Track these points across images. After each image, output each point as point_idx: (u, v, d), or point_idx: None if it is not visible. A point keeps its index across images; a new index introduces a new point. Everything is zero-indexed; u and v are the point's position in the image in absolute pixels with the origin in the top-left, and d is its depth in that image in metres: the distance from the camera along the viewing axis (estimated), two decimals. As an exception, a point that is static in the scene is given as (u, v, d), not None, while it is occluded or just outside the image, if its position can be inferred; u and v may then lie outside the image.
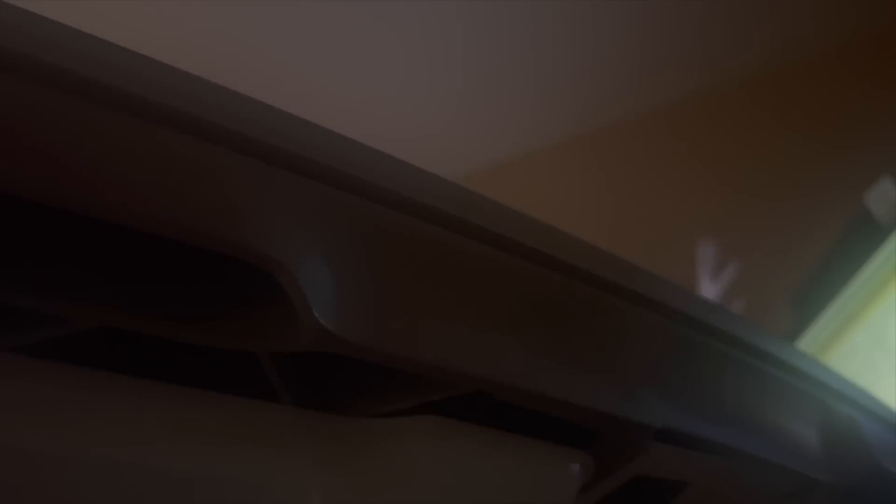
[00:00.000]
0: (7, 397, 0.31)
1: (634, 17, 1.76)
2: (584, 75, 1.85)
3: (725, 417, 0.47)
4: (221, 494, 0.35)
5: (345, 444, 0.38)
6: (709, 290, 1.75)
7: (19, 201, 0.26)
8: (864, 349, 1.76)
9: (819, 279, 1.82)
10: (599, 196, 1.91)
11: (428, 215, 0.36)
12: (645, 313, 0.44)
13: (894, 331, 1.70)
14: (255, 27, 1.59)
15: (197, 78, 0.30)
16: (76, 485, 0.32)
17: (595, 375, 0.41)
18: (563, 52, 1.79)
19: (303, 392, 0.38)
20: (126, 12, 1.44)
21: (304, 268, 0.31)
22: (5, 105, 0.26)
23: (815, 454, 0.52)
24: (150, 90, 0.28)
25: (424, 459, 0.39)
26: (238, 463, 0.35)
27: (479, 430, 0.40)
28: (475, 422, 0.40)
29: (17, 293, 0.30)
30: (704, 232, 1.90)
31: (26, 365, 0.32)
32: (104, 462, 0.32)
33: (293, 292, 0.31)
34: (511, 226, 0.39)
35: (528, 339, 0.40)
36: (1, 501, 0.31)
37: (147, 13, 1.47)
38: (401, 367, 0.35)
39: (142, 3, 1.46)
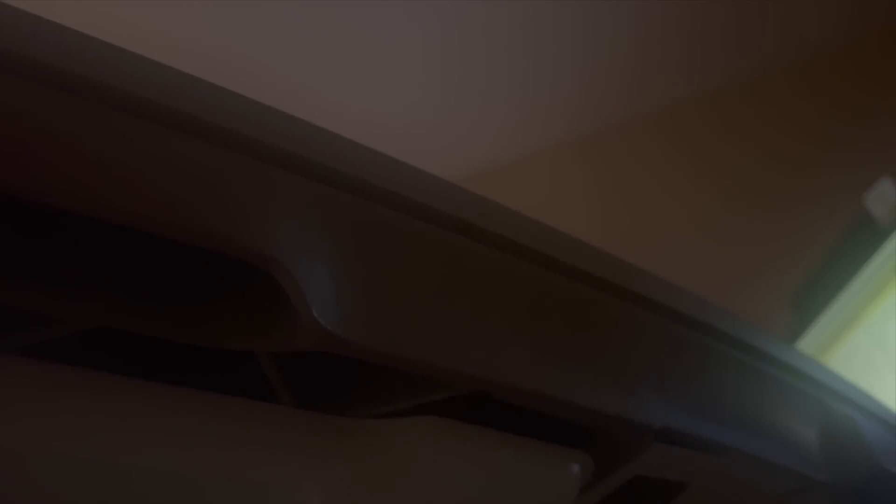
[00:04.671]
0: (6, 398, 0.31)
1: (637, 18, 1.76)
2: (586, 76, 1.85)
3: (725, 418, 0.47)
4: (221, 495, 0.35)
5: (345, 444, 0.38)
6: None
7: (18, 201, 0.26)
8: (863, 350, 1.76)
9: (819, 280, 1.82)
10: (601, 197, 1.91)
11: (427, 216, 0.36)
12: (645, 314, 0.44)
13: (894, 332, 1.70)
14: (254, 27, 1.59)
15: (194, 78, 0.30)
16: (75, 485, 0.32)
17: (595, 375, 0.41)
18: (566, 52, 1.79)
19: (303, 392, 0.38)
20: (124, 13, 1.44)
21: (304, 268, 0.31)
22: (4, 105, 0.26)
23: (814, 454, 0.52)
24: (148, 90, 0.28)
25: (424, 460, 0.39)
26: (238, 463, 0.35)
27: (479, 431, 0.40)
28: (475, 422, 0.40)
29: (16, 294, 0.30)
30: (705, 232, 1.91)
31: (25, 366, 0.32)
32: (103, 463, 0.32)
33: (293, 292, 0.31)
34: (511, 226, 0.39)
35: (527, 339, 0.40)
36: (0, 502, 0.31)
37: (145, 13, 1.47)
38: (401, 368, 0.35)
39: (140, 3, 1.46)
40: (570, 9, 1.72)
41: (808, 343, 1.80)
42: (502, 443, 0.41)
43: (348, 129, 0.36)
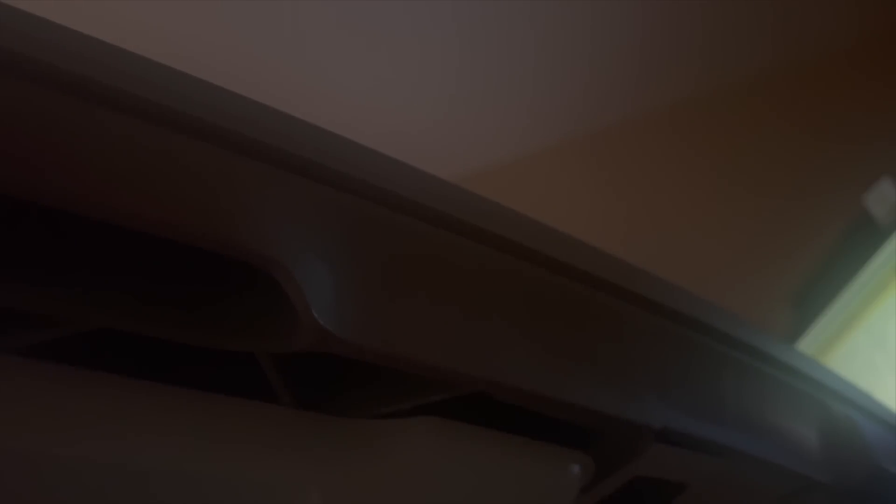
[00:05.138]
0: (7, 399, 0.31)
1: (636, 18, 1.76)
2: (584, 76, 1.85)
3: (725, 418, 0.47)
4: (222, 495, 0.35)
5: (345, 445, 0.38)
6: None
7: (19, 202, 0.26)
8: (864, 350, 1.76)
9: (819, 280, 1.82)
10: (600, 197, 1.91)
11: (427, 216, 0.36)
12: (645, 314, 0.44)
13: (894, 332, 1.70)
14: (254, 28, 1.59)
15: (195, 79, 0.30)
16: (75, 485, 0.32)
17: (595, 376, 0.41)
18: (565, 52, 1.79)
19: (303, 393, 0.38)
20: (124, 13, 1.44)
21: (304, 268, 0.31)
22: (4, 106, 0.26)
23: (814, 455, 0.52)
24: (149, 91, 0.28)
25: (425, 461, 0.39)
26: (238, 464, 0.35)
27: (480, 431, 0.40)
28: (475, 422, 0.40)
29: (17, 295, 0.30)
30: (705, 232, 1.91)
31: (26, 366, 0.32)
32: (104, 463, 0.32)
33: (293, 293, 0.31)
34: (511, 227, 0.39)
35: (527, 339, 0.40)
36: (1, 502, 0.31)
37: (144, 14, 1.47)
38: (401, 368, 0.35)
39: (139, 4, 1.46)
40: (569, 10, 1.72)
41: (808, 343, 1.80)
42: (502, 443, 0.41)
43: (348, 129, 0.36)
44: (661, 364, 0.45)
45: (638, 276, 0.44)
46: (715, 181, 1.92)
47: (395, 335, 0.34)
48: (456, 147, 1.86)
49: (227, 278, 0.33)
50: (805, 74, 1.91)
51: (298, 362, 0.37)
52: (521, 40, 1.76)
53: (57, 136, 0.26)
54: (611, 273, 0.43)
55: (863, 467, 0.53)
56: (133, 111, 0.28)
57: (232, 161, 0.30)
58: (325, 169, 0.33)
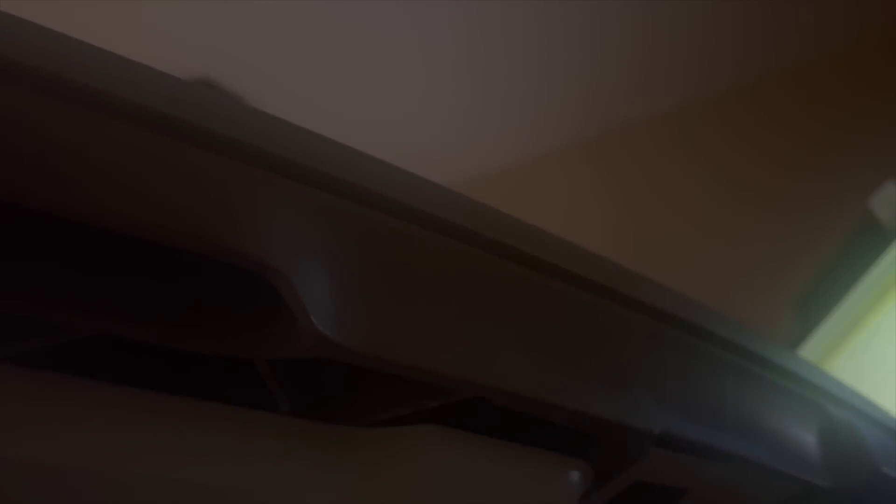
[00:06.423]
0: (2, 407, 0.31)
1: (642, 22, 1.76)
2: (590, 79, 1.85)
3: (725, 423, 0.47)
4: None
5: (345, 454, 0.38)
6: None
7: (14, 207, 0.27)
8: (867, 354, 1.75)
9: (823, 284, 1.81)
10: (605, 199, 1.91)
11: (426, 222, 0.36)
12: (644, 318, 0.44)
13: (897, 336, 1.69)
14: (257, 30, 1.59)
15: (192, 84, 0.31)
16: (72, 496, 0.32)
17: (593, 381, 0.41)
18: (570, 55, 1.79)
19: (301, 400, 0.38)
20: (121, 16, 1.44)
21: (302, 274, 0.31)
22: (5, 111, 0.26)
23: (814, 460, 0.52)
24: (147, 96, 0.28)
25: (427, 470, 0.39)
26: (237, 473, 0.35)
27: (479, 440, 0.40)
28: (470, 428, 0.40)
29: (11, 300, 0.30)
30: (709, 235, 1.91)
31: (19, 375, 0.32)
32: (100, 473, 0.32)
33: (291, 299, 0.31)
34: (509, 232, 0.39)
35: (527, 344, 0.40)
36: None
37: (143, 17, 1.47)
38: (400, 374, 0.35)
39: (137, 5, 1.47)
40: (575, 13, 1.72)
41: (811, 347, 1.79)
42: (502, 451, 0.41)
43: (352, 135, 0.36)
44: (660, 369, 0.45)
45: (637, 281, 0.44)
46: (721, 183, 1.92)
47: (395, 341, 0.34)
48: (462, 151, 1.86)
49: (223, 284, 0.33)
50: (811, 77, 1.91)
51: (296, 370, 0.37)
52: (527, 45, 1.77)
53: (54, 142, 0.26)
54: (609, 277, 0.43)
55: (863, 471, 0.53)
56: (131, 117, 0.28)
57: (227, 166, 0.30)
58: (322, 174, 0.33)
